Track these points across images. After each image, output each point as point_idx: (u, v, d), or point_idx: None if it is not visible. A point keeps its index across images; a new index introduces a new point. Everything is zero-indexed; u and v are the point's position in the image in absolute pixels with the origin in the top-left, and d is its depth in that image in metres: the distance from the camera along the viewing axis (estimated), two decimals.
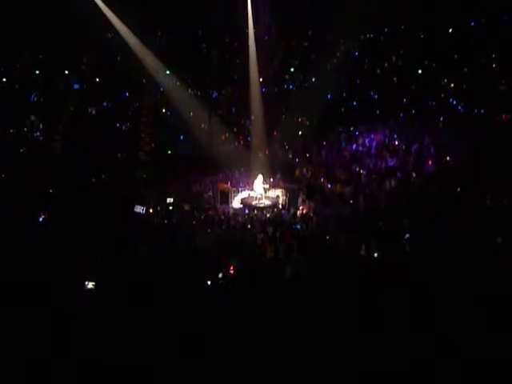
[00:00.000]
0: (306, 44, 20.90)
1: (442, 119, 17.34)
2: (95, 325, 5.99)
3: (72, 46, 17.86)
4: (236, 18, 19.05)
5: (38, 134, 18.23)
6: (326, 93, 19.83)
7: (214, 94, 20.99)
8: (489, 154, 13.21)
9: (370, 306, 6.54)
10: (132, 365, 5.42)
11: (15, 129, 17.75)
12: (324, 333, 6.08)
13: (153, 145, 19.30)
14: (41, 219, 12.29)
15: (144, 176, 17.02)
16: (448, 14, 17.16)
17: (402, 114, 18.68)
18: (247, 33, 19.07)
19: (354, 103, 20.21)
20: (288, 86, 21.01)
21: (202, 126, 19.74)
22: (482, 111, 16.78)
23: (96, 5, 17.30)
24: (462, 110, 17.81)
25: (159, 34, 19.80)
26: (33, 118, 18.15)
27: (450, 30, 18.31)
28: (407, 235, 10.14)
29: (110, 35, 18.39)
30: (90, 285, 6.98)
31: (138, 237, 11.21)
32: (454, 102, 18.22)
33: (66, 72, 18.91)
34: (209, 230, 12.24)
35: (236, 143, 19.91)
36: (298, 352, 5.69)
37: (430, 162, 15.15)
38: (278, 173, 17.15)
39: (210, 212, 14.48)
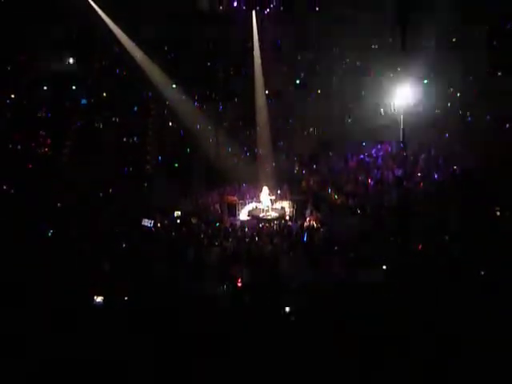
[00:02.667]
0: (311, 56, 20.95)
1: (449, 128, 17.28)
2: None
3: (79, 61, 18.05)
4: (241, 31, 19.24)
5: (46, 149, 18.32)
6: (332, 104, 19.84)
7: (220, 107, 21.02)
8: (497, 163, 13.14)
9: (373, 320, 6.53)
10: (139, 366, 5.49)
11: (23, 144, 17.84)
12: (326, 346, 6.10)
13: (160, 158, 19.34)
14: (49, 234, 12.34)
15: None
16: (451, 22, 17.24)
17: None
18: (252, 45, 19.22)
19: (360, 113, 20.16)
20: (294, 98, 21.00)
21: (209, 139, 19.79)
22: (490, 120, 16.70)
23: (102, 20, 17.51)
24: (469, 119, 17.76)
25: (166, 48, 19.95)
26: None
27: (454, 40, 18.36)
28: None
29: (116, 49, 18.57)
30: (99, 299, 6.97)
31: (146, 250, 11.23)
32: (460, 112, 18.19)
33: (74, 87, 19.06)
34: (216, 243, 12.22)
35: (242, 155, 19.90)
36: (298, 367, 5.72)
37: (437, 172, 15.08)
38: (285, 184, 17.11)
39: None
